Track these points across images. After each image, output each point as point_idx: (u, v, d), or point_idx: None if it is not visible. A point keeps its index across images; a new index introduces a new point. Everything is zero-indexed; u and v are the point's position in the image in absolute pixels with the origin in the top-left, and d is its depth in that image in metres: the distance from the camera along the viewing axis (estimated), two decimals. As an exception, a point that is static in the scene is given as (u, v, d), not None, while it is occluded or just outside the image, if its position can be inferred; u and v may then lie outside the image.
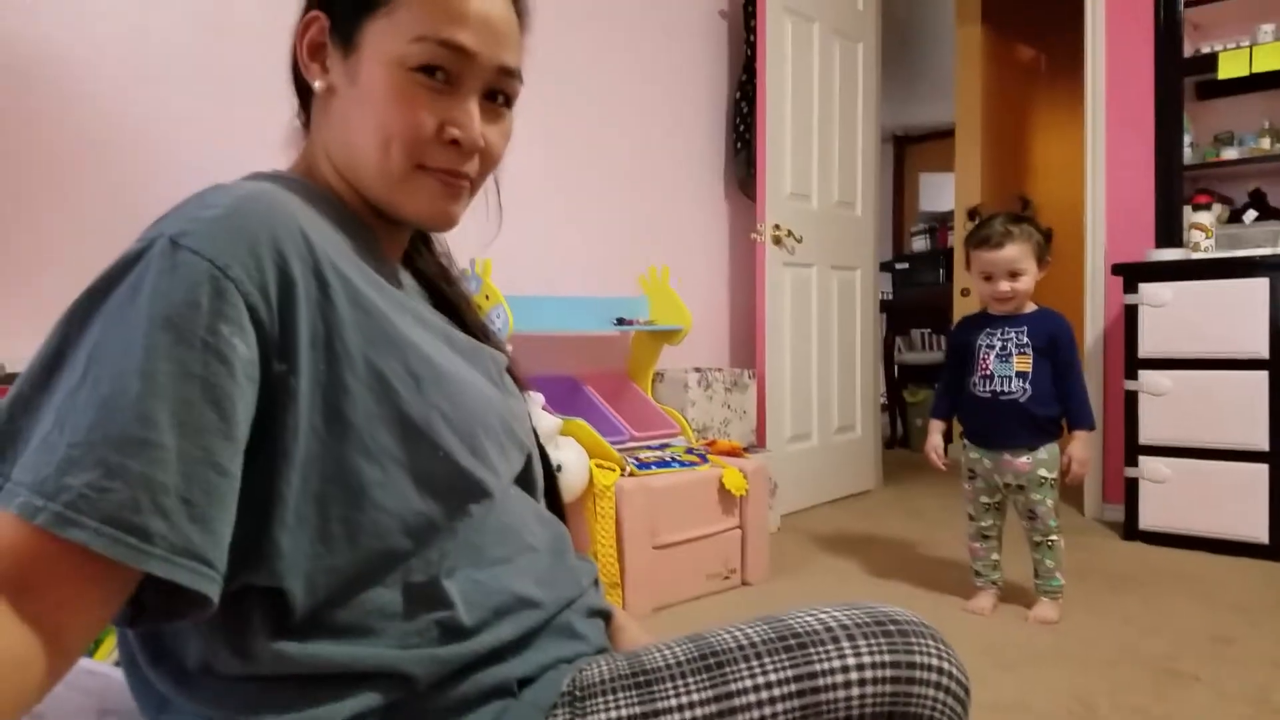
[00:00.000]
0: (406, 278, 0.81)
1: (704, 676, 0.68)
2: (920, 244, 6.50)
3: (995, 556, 2.32)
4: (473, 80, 0.71)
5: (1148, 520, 2.92)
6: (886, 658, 0.67)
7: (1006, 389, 2.19)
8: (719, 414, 3.08)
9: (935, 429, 2.37)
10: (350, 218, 0.73)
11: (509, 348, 0.88)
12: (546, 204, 2.97)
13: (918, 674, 0.66)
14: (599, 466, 2.22)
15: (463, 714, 0.66)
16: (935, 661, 0.67)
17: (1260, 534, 2.69)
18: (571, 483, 2.11)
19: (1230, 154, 3.11)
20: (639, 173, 3.34)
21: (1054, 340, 2.18)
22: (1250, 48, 2.94)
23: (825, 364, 3.63)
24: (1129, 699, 1.70)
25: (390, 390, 0.64)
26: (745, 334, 3.74)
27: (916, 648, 0.68)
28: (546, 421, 2.12)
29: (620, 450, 2.40)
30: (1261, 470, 2.69)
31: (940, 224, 6.32)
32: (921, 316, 5.80)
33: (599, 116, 3.18)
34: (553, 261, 2.99)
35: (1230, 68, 2.97)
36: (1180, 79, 3.12)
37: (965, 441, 2.32)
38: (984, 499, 2.29)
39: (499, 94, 0.74)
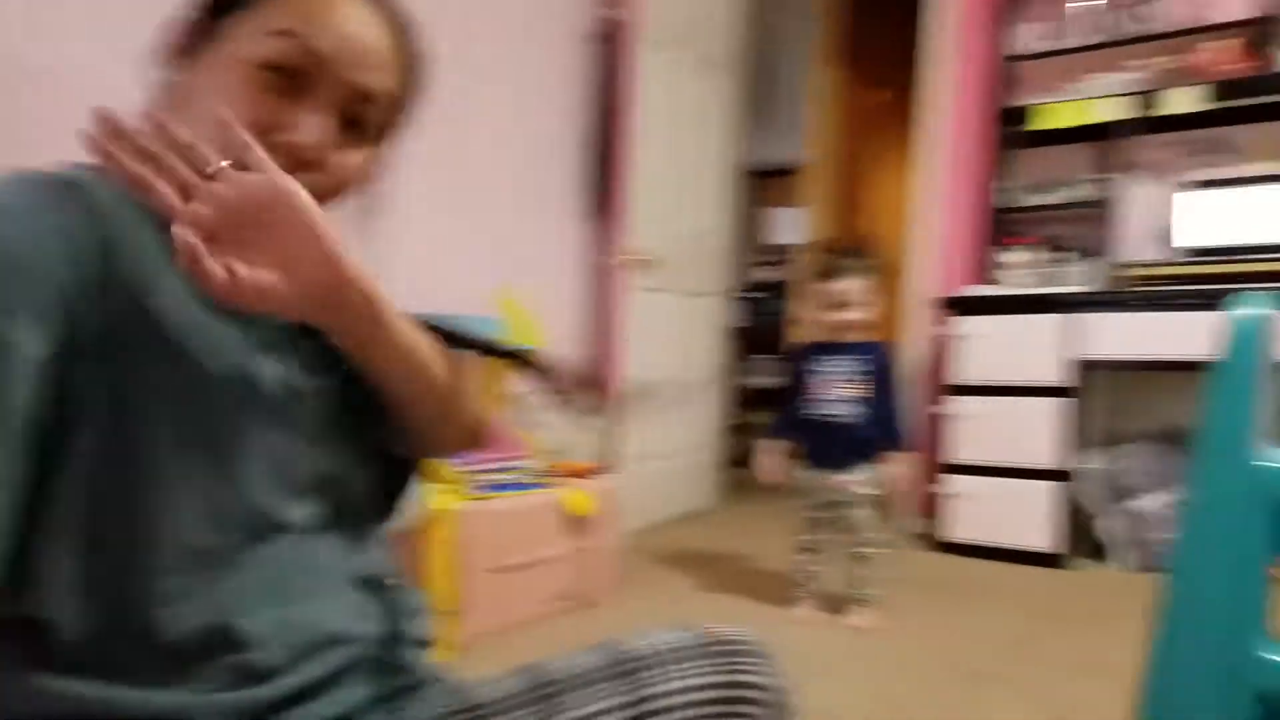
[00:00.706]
0: None
1: (537, 708, 0.67)
2: (766, 274, 6.78)
3: (816, 568, 2.48)
4: (324, 92, 0.67)
5: (953, 533, 3.17)
6: (716, 678, 0.69)
7: (837, 413, 2.36)
8: (569, 435, 3.11)
9: (771, 449, 2.50)
10: None
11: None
12: (394, 218, 2.93)
13: (745, 693, 0.69)
14: (439, 490, 2.20)
15: None
16: (761, 680, 0.70)
17: (1047, 544, 2.98)
18: (408, 508, 2.09)
19: (1041, 199, 3.43)
20: (493, 190, 3.35)
21: (881, 368, 2.36)
22: (1067, 102, 3.26)
23: (678, 386, 3.74)
24: (936, 701, 1.84)
25: (185, 409, 0.59)
26: (599, 356, 3.80)
27: (744, 667, 0.70)
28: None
29: (463, 473, 2.40)
30: (1050, 487, 2.98)
31: (784, 256, 6.62)
32: (765, 344, 6.08)
33: (455, 135, 3.17)
34: (400, 277, 2.95)
35: (1049, 120, 3.29)
36: (1004, 129, 3.42)
37: (799, 462, 2.46)
38: (812, 515, 2.45)
39: (356, 120, 0.70)
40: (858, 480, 2.36)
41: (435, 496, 2.16)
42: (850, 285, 2.32)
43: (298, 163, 0.66)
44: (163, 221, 0.56)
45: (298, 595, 0.65)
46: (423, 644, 0.77)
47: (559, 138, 3.66)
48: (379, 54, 0.70)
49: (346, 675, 0.66)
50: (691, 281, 3.82)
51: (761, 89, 5.90)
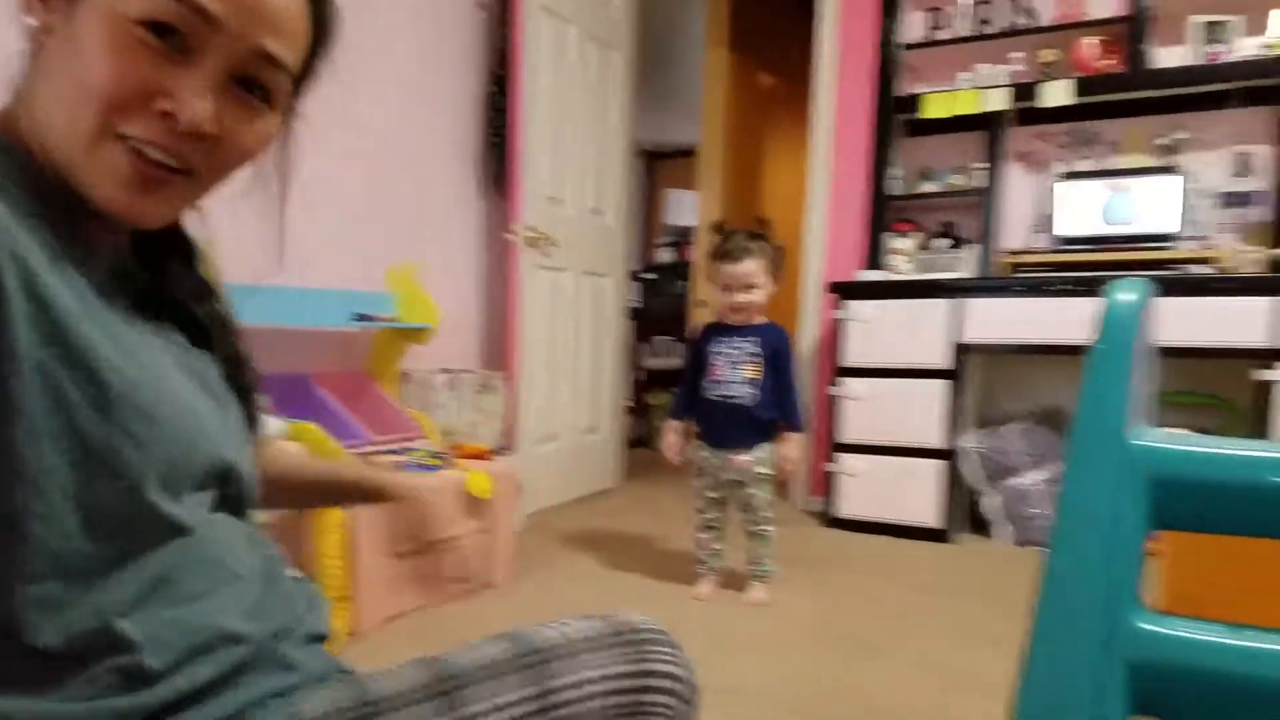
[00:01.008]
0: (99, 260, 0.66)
1: (438, 702, 0.66)
2: (665, 256, 6.82)
3: (717, 546, 2.51)
4: (215, 57, 0.59)
5: (844, 509, 3.27)
6: (623, 667, 0.69)
7: (734, 394, 2.38)
8: (467, 416, 3.06)
9: (672, 429, 2.52)
10: (47, 189, 0.60)
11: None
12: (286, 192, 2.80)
13: (653, 681, 0.69)
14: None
15: None
16: (668, 668, 0.71)
17: (933, 519, 3.11)
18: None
19: (928, 188, 3.55)
20: (387, 162, 3.24)
21: (777, 350, 2.40)
22: (952, 92, 3.37)
23: (575, 367, 3.72)
24: (828, 673, 1.90)
25: (65, 403, 0.54)
26: (497, 335, 3.74)
27: (652, 655, 0.70)
28: (271, 425, 2.00)
29: (356, 455, 2.33)
30: (936, 465, 3.10)
31: (684, 238, 6.66)
32: (665, 325, 6.12)
33: (345, 101, 3.06)
34: (286, 249, 2.82)
35: (935, 109, 3.39)
36: (893, 117, 3.52)
37: (698, 441, 2.49)
38: (710, 494, 2.48)
39: (256, 85, 0.63)
40: (755, 460, 2.39)
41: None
42: (749, 268, 2.33)
43: (188, 135, 0.59)
44: (50, 222, 0.55)
45: (188, 594, 0.62)
46: (319, 638, 0.74)
47: (454, 108, 3.57)
48: (286, 13, 0.62)
49: (240, 674, 0.64)
50: (590, 261, 3.80)
51: (658, 70, 5.92)
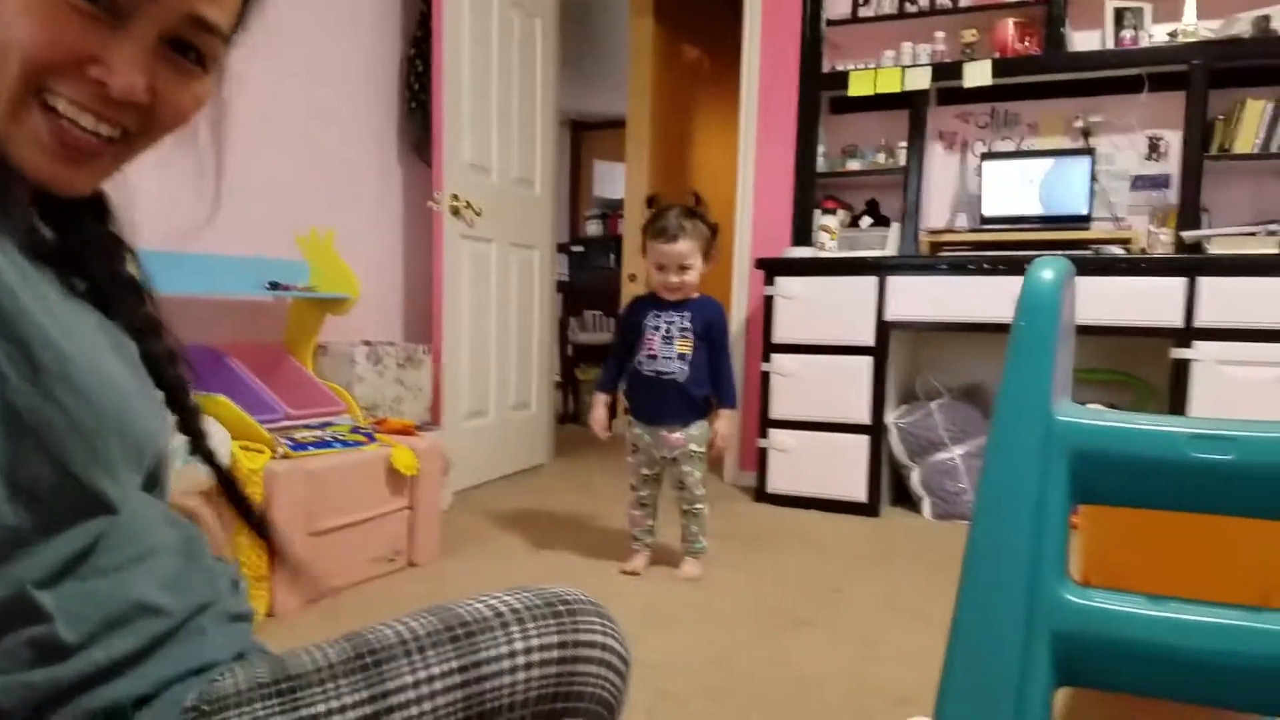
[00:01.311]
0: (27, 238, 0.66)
1: (359, 677, 0.64)
2: (594, 229, 6.78)
3: (651, 522, 2.51)
4: (148, 21, 0.57)
5: (775, 485, 3.31)
6: (554, 639, 0.68)
7: (668, 369, 2.36)
8: (390, 391, 2.99)
9: (600, 402, 2.51)
10: None
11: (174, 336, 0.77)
12: (185, 147, 2.66)
13: (583, 652, 0.68)
14: (245, 449, 2.05)
15: None
16: (600, 639, 0.70)
17: (860, 494, 3.16)
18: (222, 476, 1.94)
19: (854, 165, 3.59)
20: (301, 125, 3.11)
21: (711, 326, 2.39)
22: (875, 70, 3.40)
23: (503, 341, 3.67)
24: (759, 646, 1.92)
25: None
26: (420, 307, 3.66)
27: (583, 626, 0.69)
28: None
29: (272, 430, 2.24)
30: (863, 440, 3.15)
31: (612, 211, 6.62)
32: (594, 299, 6.07)
33: (255, 57, 2.92)
34: (192, 213, 2.69)
35: (859, 86, 3.42)
36: (819, 94, 3.53)
37: (630, 418, 2.48)
38: (644, 471, 2.47)
39: (191, 49, 0.61)
40: (687, 438, 2.39)
41: (241, 456, 2.01)
42: (684, 249, 2.32)
43: (119, 103, 0.58)
44: None
45: (108, 567, 0.60)
46: (240, 617, 0.73)
47: (372, 69, 3.45)
48: None
49: (158, 649, 0.62)
50: (517, 233, 3.74)
51: (585, 39, 5.84)
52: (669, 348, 2.37)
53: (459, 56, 3.26)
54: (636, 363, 2.40)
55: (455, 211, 3.25)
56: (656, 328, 2.39)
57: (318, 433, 2.35)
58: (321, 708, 0.62)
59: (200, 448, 0.79)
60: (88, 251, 0.68)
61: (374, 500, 2.34)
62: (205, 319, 2.74)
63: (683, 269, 2.33)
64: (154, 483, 0.69)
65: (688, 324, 2.37)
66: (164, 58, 0.60)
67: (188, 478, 1.34)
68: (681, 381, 2.36)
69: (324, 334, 2.88)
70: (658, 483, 2.50)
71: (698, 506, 2.44)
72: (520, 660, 0.66)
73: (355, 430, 2.44)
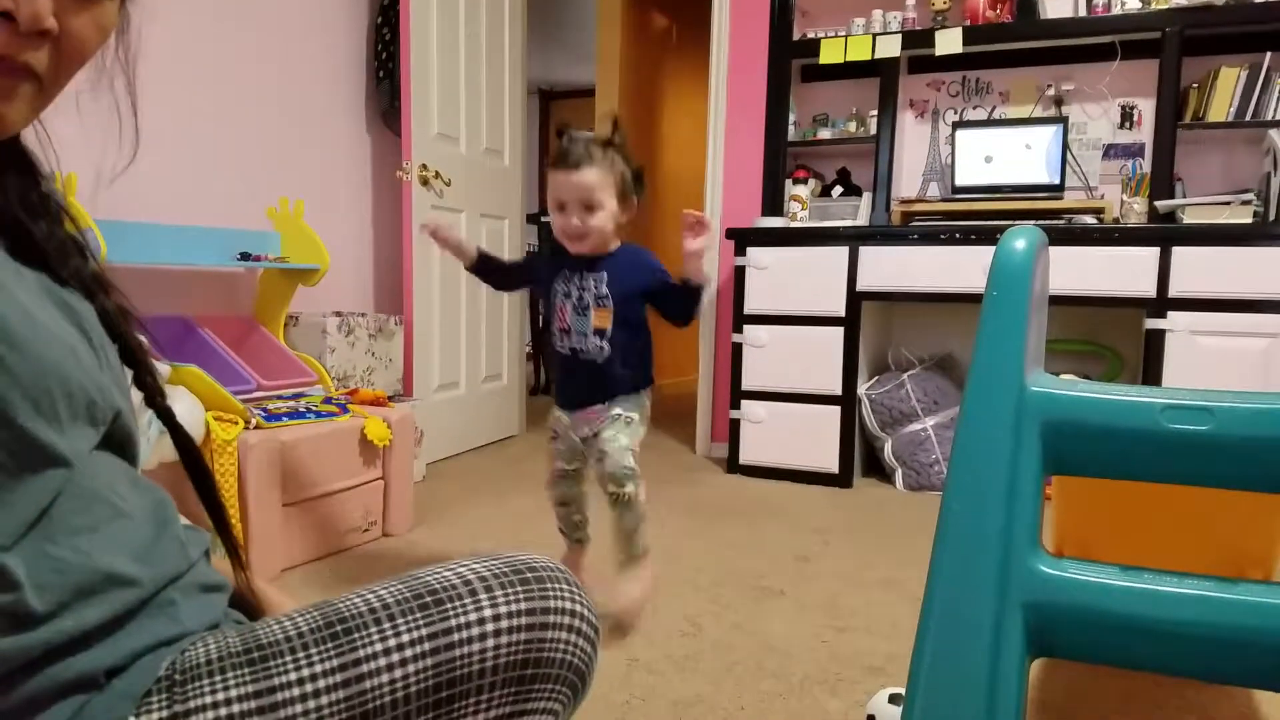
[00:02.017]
0: None
1: (329, 646, 0.64)
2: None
3: (579, 516, 2.06)
4: None
5: (747, 456, 3.32)
6: (523, 605, 0.68)
7: (584, 348, 1.85)
8: (362, 361, 2.96)
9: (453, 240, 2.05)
10: None
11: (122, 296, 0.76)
12: (156, 117, 2.61)
13: (551, 619, 0.69)
14: (217, 419, 2.03)
15: (30, 715, 0.57)
16: (569, 605, 0.70)
17: (832, 465, 3.18)
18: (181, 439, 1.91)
19: (825, 134, 3.57)
20: (268, 93, 3.05)
21: (640, 284, 1.86)
22: (846, 38, 3.37)
23: (474, 313, 3.63)
24: (729, 615, 1.93)
25: None
26: (391, 278, 3.61)
27: (551, 593, 0.70)
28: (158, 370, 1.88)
29: (245, 401, 2.22)
30: (835, 411, 3.17)
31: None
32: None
33: (221, 26, 2.85)
34: (163, 185, 2.64)
35: (829, 54, 3.39)
36: (789, 61, 3.50)
37: (555, 401, 2.01)
38: (562, 465, 2.00)
39: None
40: (609, 406, 1.89)
41: (215, 426, 1.99)
42: (590, 178, 1.77)
43: (29, 34, 0.56)
44: None
45: (71, 528, 0.60)
46: (213, 587, 0.73)
47: (339, 38, 3.39)
48: None
49: (129, 620, 0.63)
50: (486, 203, 3.69)
51: (553, 7, 5.75)
52: (583, 320, 1.84)
53: (427, 25, 3.19)
54: (551, 336, 1.91)
55: (424, 182, 3.20)
56: (567, 294, 1.86)
57: (290, 403, 2.33)
58: (293, 676, 0.63)
59: (157, 405, 0.78)
60: (23, 210, 0.67)
61: (347, 471, 2.32)
62: (176, 290, 2.69)
63: (588, 208, 1.78)
64: (118, 448, 0.68)
65: (605, 289, 1.83)
66: None
67: (166, 447, 1.31)
68: (601, 363, 1.84)
69: (295, 305, 2.85)
70: (579, 479, 2.01)
71: (627, 490, 1.80)
72: (490, 627, 0.67)
73: (328, 401, 2.41)
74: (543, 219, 6.38)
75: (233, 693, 0.62)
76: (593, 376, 1.87)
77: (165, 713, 0.61)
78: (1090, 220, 3.00)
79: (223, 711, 0.61)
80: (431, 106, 3.25)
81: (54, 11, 0.58)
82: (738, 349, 3.30)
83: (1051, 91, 3.31)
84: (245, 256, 2.63)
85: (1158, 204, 2.97)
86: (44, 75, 0.60)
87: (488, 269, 2.06)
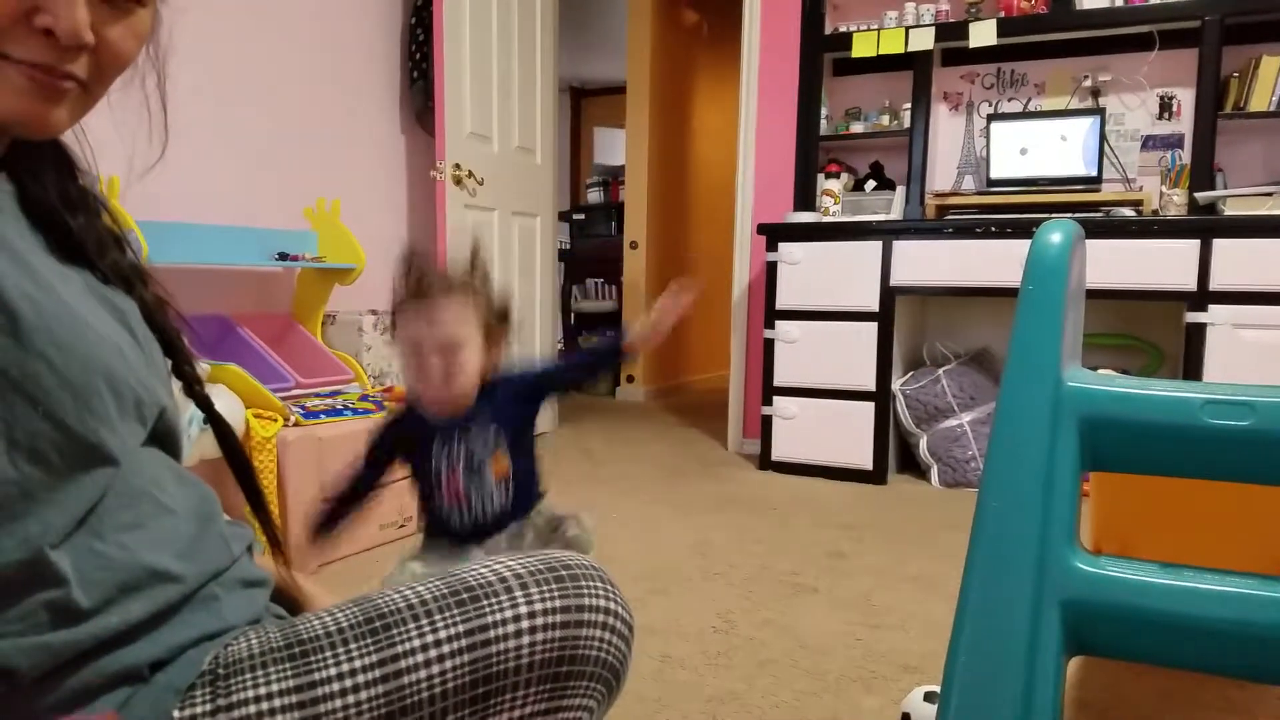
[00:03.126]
0: (7, 200, 0.67)
1: (368, 641, 0.65)
2: (595, 196, 6.72)
3: None
4: None
5: (779, 452, 3.31)
6: (557, 603, 0.69)
7: (489, 509, 1.41)
8: (397, 359, 2.99)
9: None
10: None
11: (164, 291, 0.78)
12: (199, 120, 2.65)
13: (586, 616, 0.69)
14: (257, 417, 2.06)
15: (78, 707, 0.58)
16: (603, 603, 0.71)
17: (866, 461, 3.16)
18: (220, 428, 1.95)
19: (857, 128, 3.54)
20: (305, 95, 3.09)
21: (529, 399, 1.46)
22: (878, 31, 3.34)
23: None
24: (761, 612, 1.93)
25: None
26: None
27: (586, 590, 0.70)
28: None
29: (285, 398, 2.25)
30: (868, 407, 3.15)
31: (613, 178, 6.56)
32: (596, 266, 6.05)
33: (259, 30, 2.89)
34: (203, 186, 2.69)
35: (862, 48, 3.36)
36: (821, 55, 3.48)
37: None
38: None
39: None
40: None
41: (255, 424, 2.02)
42: (450, 318, 1.32)
43: (64, 50, 0.58)
44: None
45: (118, 525, 0.61)
46: (254, 581, 0.75)
47: (374, 40, 3.43)
48: None
49: (173, 614, 0.64)
50: (518, 201, 3.71)
51: (584, 4, 5.76)
52: (479, 480, 1.39)
53: (459, 25, 3.22)
54: (435, 510, 1.43)
55: (458, 181, 3.23)
56: (454, 463, 1.40)
57: (328, 400, 2.36)
58: (333, 671, 0.64)
59: (195, 393, 0.80)
60: (61, 204, 0.69)
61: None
62: (216, 289, 2.74)
63: (450, 351, 1.31)
64: (163, 443, 0.69)
65: (492, 430, 1.39)
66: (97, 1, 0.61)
67: (206, 444, 1.33)
68: (512, 509, 1.42)
69: (332, 303, 2.89)
70: None
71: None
72: (525, 624, 0.67)
73: (364, 398, 2.45)
74: (574, 216, 6.41)
75: (274, 687, 0.63)
76: (498, 528, 1.42)
77: (208, 706, 0.62)
78: (1129, 212, 2.95)
79: (264, 705, 0.62)
80: (464, 106, 3.27)
81: (91, 24, 0.59)
82: (769, 345, 3.29)
83: (1088, 82, 3.26)
84: (283, 256, 2.68)
85: (1198, 195, 2.91)
86: (87, 82, 0.62)
87: (342, 499, 1.51)
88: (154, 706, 0.61)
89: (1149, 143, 3.21)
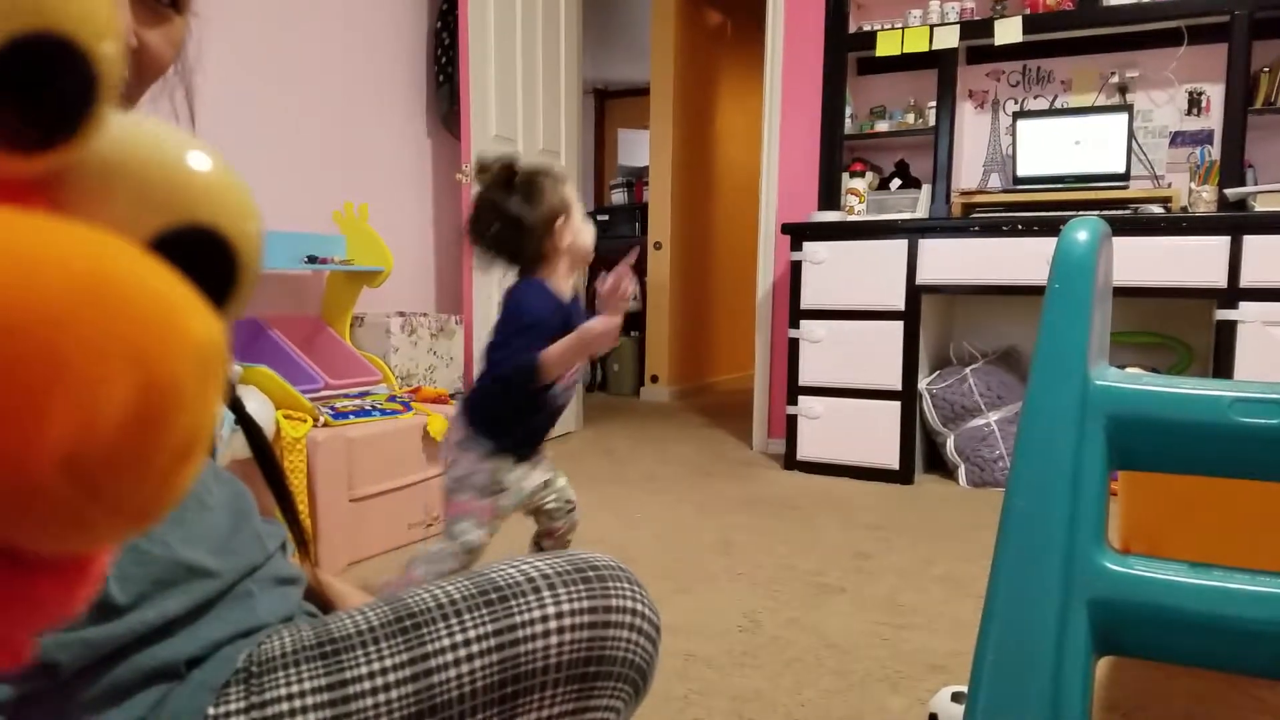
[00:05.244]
0: None
1: (399, 640, 0.66)
2: (619, 197, 6.73)
3: None
4: None
5: (804, 452, 3.30)
6: (585, 603, 0.69)
7: (574, 379, 1.68)
8: (424, 360, 3.02)
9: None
10: None
11: None
12: (225, 125, 2.70)
13: (613, 617, 0.70)
14: (287, 418, 2.09)
15: (116, 703, 0.59)
16: (629, 604, 0.71)
17: (893, 461, 3.15)
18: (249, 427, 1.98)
19: (882, 126, 3.53)
20: (333, 100, 3.13)
21: None
22: (902, 30, 3.33)
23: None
24: (786, 611, 1.93)
25: None
26: (452, 279, 3.68)
27: (613, 591, 0.71)
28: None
29: (314, 400, 2.29)
30: (895, 407, 3.13)
31: (637, 179, 6.58)
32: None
33: (286, 35, 2.93)
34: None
35: (886, 46, 3.35)
36: (845, 54, 3.47)
37: (496, 462, 1.63)
38: (487, 535, 1.66)
39: None
40: (546, 458, 1.77)
41: (285, 425, 2.05)
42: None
43: None
44: None
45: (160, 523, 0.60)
46: (287, 579, 0.75)
47: (400, 43, 3.46)
48: None
49: (208, 611, 0.65)
50: (546, 203, 3.73)
51: (607, 6, 5.77)
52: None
53: (484, 28, 3.24)
54: (548, 392, 1.61)
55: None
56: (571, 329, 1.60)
57: (357, 401, 2.39)
58: (364, 669, 0.64)
59: (227, 396, 0.80)
60: None
61: (411, 467, 2.37)
62: (245, 293, 2.78)
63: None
64: None
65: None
66: (144, 5, 0.61)
67: (237, 445, 1.35)
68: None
69: (360, 305, 2.92)
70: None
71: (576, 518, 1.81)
72: (552, 624, 0.67)
73: (392, 399, 2.47)
74: (598, 218, 6.43)
75: (306, 685, 0.64)
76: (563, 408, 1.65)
77: (243, 703, 0.63)
78: (1157, 209, 2.92)
79: (297, 703, 0.63)
80: (489, 109, 3.30)
81: (132, 29, 0.60)
82: (794, 344, 3.29)
83: (1115, 79, 3.23)
84: (312, 259, 2.71)
85: (1228, 192, 2.87)
86: (127, 90, 0.62)
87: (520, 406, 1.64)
88: (190, 703, 0.62)
89: (1177, 139, 3.17)
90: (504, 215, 1.61)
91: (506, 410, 1.61)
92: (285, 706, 0.63)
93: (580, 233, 1.68)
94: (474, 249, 1.66)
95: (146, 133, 0.30)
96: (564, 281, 1.68)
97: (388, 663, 0.65)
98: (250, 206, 0.32)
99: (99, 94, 0.27)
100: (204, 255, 0.30)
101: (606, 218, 6.46)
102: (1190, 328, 3.11)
